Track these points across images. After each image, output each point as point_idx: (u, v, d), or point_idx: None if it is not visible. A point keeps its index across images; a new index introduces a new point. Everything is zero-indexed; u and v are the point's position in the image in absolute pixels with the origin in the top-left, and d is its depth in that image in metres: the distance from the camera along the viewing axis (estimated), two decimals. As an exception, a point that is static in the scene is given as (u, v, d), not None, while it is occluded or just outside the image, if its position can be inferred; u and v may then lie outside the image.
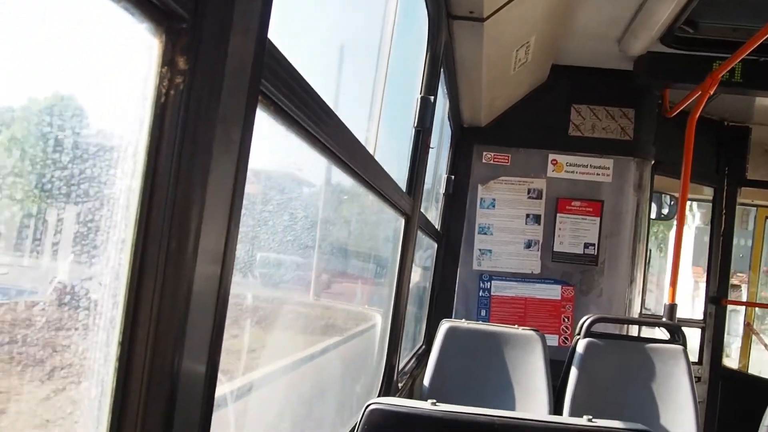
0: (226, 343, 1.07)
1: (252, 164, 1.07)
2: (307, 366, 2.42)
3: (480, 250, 5.54)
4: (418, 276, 4.76)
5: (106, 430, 0.88)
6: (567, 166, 5.50)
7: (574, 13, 4.38)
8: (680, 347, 3.91)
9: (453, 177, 5.50)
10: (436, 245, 5.41)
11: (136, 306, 0.89)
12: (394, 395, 3.45)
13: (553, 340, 5.31)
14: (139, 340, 0.88)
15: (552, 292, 5.47)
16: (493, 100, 5.08)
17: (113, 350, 0.89)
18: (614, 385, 3.82)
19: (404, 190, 3.19)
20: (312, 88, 1.43)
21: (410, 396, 4.26)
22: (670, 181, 5.78)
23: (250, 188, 1.10)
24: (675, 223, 5.60)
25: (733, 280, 8.51)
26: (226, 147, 0.97)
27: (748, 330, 7.80)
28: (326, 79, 2.03)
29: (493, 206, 5.54)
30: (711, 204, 6.65)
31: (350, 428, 2.56)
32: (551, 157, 5.51)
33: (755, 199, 7.44)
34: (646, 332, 5.73)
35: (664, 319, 4.96)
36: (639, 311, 5.73)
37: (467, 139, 5.58)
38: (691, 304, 6.54)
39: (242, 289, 1.63)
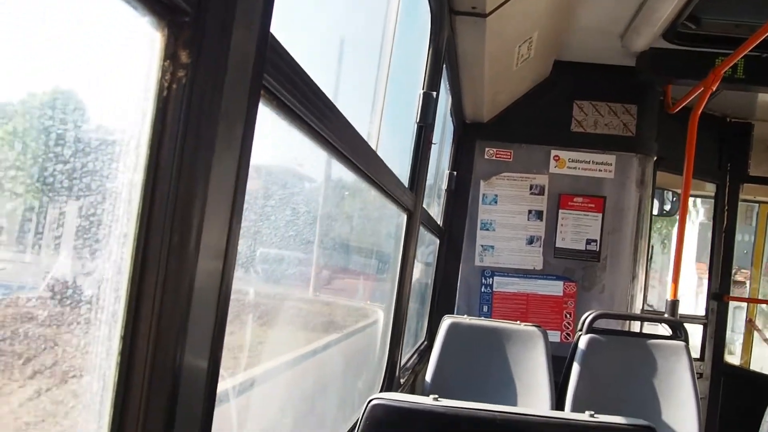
0: (228, 338, 1.07)
1: (254, 159, 1.07)
2: (309, 362, 2.42)
3: (482, 246, 5.54)
4: (420, 272, 4.75)
5: (108, 425, 0.88)
6: (569, 162, 5.50)
7: (577, 8, 4.37)
8: (682, 343, 3.91)
9: (455, 173, 5.49)
10: (438, 241, 5.40)
11: (138, 300, 0.88)
12: (396, 391, 3.45)
13: (555, 336, 5.31)
14: (141, 334, 0.88)
15: (554, 288, 5.47)
16: (495, 96, 5.08)
17: (115, 345, 0.88)
18: (616, 381, 3.82)
19: (406, 186, 3.19)
20: (314, 83, 1.43)
21: (412, 392, 4.26)
22: (673, 177, 5.77)
23: (251, 183, 1.10)
24: (677, 219, 5.59)
25: (738, 277, 8.50)
26: (228, 141, 0.97)
27: (750, 326, 7.79)
28: (328, 75, 2.03)
29: (496, 202, 5.53)
30: (713, 200, 6.65)
31: (352, 423, 2.56)
32: (553, 153, 5.51)
33: (757, 196, 7.43)
34: (648, 328, 5.73)
35: (666, 315, 4.96)
36: (641, 307, 5.73)
37: (469, 135, 5.57)
38: (695, 300, 6.54)
39: (243, 285, 1.63)
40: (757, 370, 7.36)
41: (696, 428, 3.67)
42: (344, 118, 1.77)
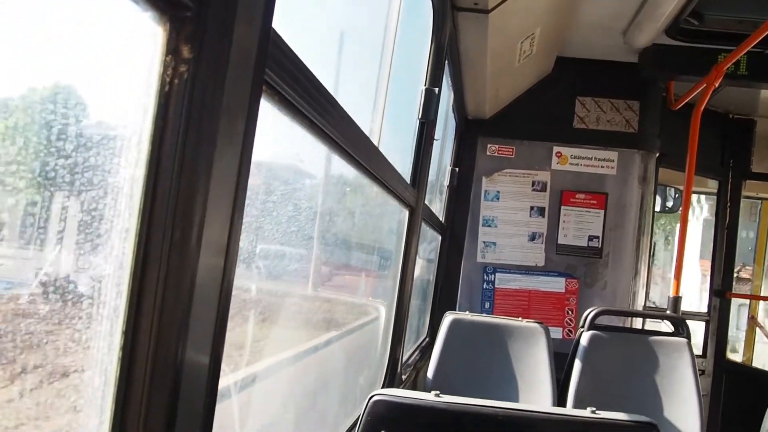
0: (229, 334, 1.07)
1: (256, 155, 1.07)
2: (311, 358, 2.42)
3: (484, 242, 5.54)
4: (422, 268, 4.75)
5: (110, 420, 0.88)
6: (571, 159, 5.49)
7: (579, 4, 4.37)
8: (684, 340, 3.91)
9: (457, 169, 5.49)
10: (440, 237, 5.40)
11: (140, 296, 0.88)
12: (397, 387, 3.45)
13: (557, 333, 5.31)
14: (143, 330, 0.88)
15: (556, 284, 5.47)
16: (497, 92, 5.07)
17: (117, 340, 0.88)
18: (618, 378, 3.82)
19: (408, 182, 3.19)
20: (316, 79, 1.42)
21: (414, 388, 4.26)
22: (675, 173, 5.77)
23: (253, 179, 1.10)
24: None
25: (743, 274, 8.48)
26: (230, 137, 0.97)
27: (753, 323, 7.78)
28: (330, 70, 2.03)
29: (498, 198, 5.53)
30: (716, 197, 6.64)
31: (354, 420, 2.56)
32: (556, 149, 5.50)
33: (760, 192, 7.42)
34: (651, 325, 5.73)
35: (668, 312, 4.95)
36: (643, 304, 5.73)
37: (472, 131, 5.57)
38: (699, 297, 6.53)
39: (245, 281, 1.62)
40: (760, 367, 7.36)
41: (698, 425, 3.67)
42: (346, 113, 1.77)
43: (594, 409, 1.91)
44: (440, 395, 1.90)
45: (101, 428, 0.89)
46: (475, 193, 5.55)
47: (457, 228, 5.56)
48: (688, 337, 3.96)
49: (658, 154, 5.59)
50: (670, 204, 6.80)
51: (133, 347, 0.88)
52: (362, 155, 2.06)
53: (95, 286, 0.90)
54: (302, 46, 1.29)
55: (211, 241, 0.94)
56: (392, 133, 2.97)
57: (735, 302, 8.04)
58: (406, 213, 3.31)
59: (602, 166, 5.48)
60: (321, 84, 1.47)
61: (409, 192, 3.12)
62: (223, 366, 1.04)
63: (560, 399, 3.79)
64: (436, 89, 3.28)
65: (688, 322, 4.13)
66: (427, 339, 5.28)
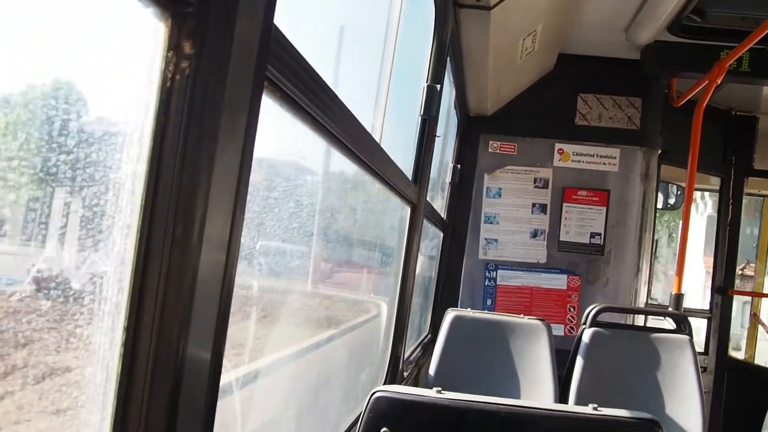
0: (231, 331, 1.07)
1: (257, 151, 1.07)
2: (312, 354, 2.42)
3: (486, 239, 5.54)
4: (423, 265, 4.75)
5: (111, 416, 0.88)
6: (573, 156, 5.49)
7: (581, 1, 4.36)
8: (686, 337, 3.90)
9: (459, 166, 5.49)
10: (441, 234, 5.40)
11: (141, 292, 0.88)
12: (399, 384, 3.45)
13: (558, 330, 5.31)
14: (144, 326, 0.88)
15: (558, 281, 5.47)
16: (499, 89, 5.07)
17: (118, 336, 0.88)
18: (620, 375, 3.82)
19: (410, 179, 3.19)
20: (318, 75, 1.42)
21: (415, 385, 4.27)
22: (677, 170, 5.76)
23: (254, 175, 1.09)
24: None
25: (747, 271, 8.47)
26: (232, 133, 0.97)
27: (755, 320, 7.78)
28: (332, 67, 2.02)
29: (499, 195, 5.53)
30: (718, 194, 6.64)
31: (356, 416, 2.57)
32: (558, 146, 5.50)
33: (762, 189, 7.41)
34: (653, 322, 5.72)
35: (670, 309, 4.95)
36: (645, 301, 5.72)
37: (473, 128, 5.56)
38: (703, 294, 6.52)
39: (247, 277, 1.62)
40: (762, 364, 7.35)
41: (700, 422, 3.67)
42: (348, 110, 1.77)
43: (596, 406, 1.91)
44: (442, 392, 1.90)
45: (103, 424, 0.89)
46: (477, 190, 5.55)
47: (459, 225, 5.56)
48: (690, 334, 3.95)
49: (660, 151, 5.58)
50: (672, 201, 6.79)
51: (134, 344, 0.88)
52: (364, 152, 2.06)
53: (97, 283, 0.90)
54: (304, 43, 1.29)
55: (213, 237, 0.94)
56: (394, 130, 2.96)
57: (740, 300, 8.03)
58: (408, 210, 3.31)
59: (604, 163, 5.48)
60: (323, 80, 1.47)
61: (411, 189, 3.12)
62: (224, 362, 1.04)
63: (562, 396, 3.79)
64: (438, 86, 3.28)
65: (691, 319, 4.12)
66: (429, 336, 5.28)
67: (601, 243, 5.45)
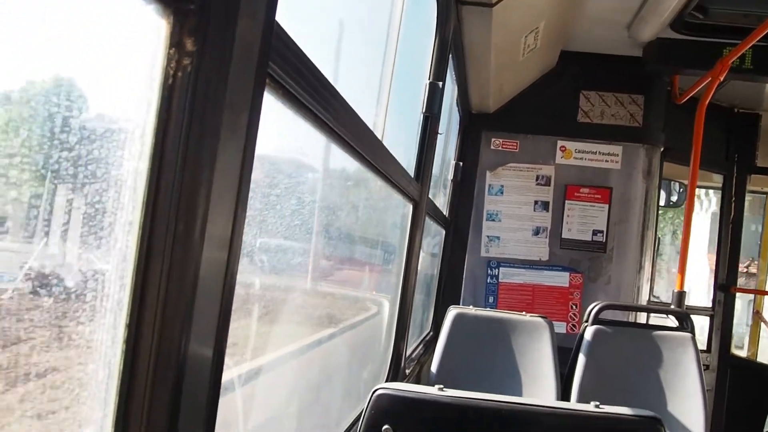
0: (234, 327, 1.07)
1: (259, 148, 1.07)
2: (314, 352, 2.42)
3: (488, 236, 5.53)
4: (425, 263, 4.75)
5: (113, 413, 0.88)
6: (576, 153, 5.48)
7: (584, -2, 4.36)
8: (688, 335, 3.90)
9: (461, 163, 5.49)
10: (444, 232, 5.40)
11: (143, 289, 0.88)
12: (401, 381, 3.45)
13: (560, 327, 5.31)
14: (146, 323, 0.88)
15: (560, 279, 5.46)
16: (501, 86, 5.06)
17: (120, 333, 0.89)
18: (622, 373, 3.82)
19: (412, 176, 3.19)
20: (320, 72, 1.42)
21: (417, 382, 4.27)
22: (680, 168, 5.75)
23: (256, 173, 1.09)
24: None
25: (753, 268, 8.45)
26: (234, 130, 0.97)
27: (758, 318, 7.77)
28: (334, 64, 2.02)
29: (502, 193, 5.53)
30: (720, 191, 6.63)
31: (358, 413, 2.57)
32: (560, 143, 5.49)
33: (765, 186, 7.40)
34: (655, 320, 5.72)
35: (672, 307, 4.94)
36: (647, 299, 5.72)
37: (476, 126, 5.56)
38: (707, 291, 6.51)
39: (248, 274, 1.62)
40: (765, 362, 7.34)
41: (702, 420, 3.67)
42: (350, 107, 1.77)
43: (598, 403, 1.91)
44: (444, 389, 1.90)
45: (105, 421, 0.89)
46: (479, 188, 5.55)
47: (461, 222, 5.56)
48: (693, 331, 3.95)
49: (662, 149, 5.58)
50: (674, 198, 6.78)
51: (136, 340, 0.88)
52: (366, 149, 2.06)
53: (99, 280, 0.90)
54: (306, 40, 1.28)
55: (215, 234, 0.94)
56: (396, 127, 2.96)
57: (745, 298, 8.02)
58: (410, 207, 3.31)
59: (606, 161, 5.47)
60: (325, 77, 1.47)
61: (413, 186, 3.12)
62: (226, 360, 1.04)
63: (564, 393, 3.79)
64: (440, 83, 3.28)
65: (694, 317, 4.12)
66: (431, 333, 5.28)
67: (604, 240, 5.45)
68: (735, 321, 6.60)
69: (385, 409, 1.86)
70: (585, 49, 5.38)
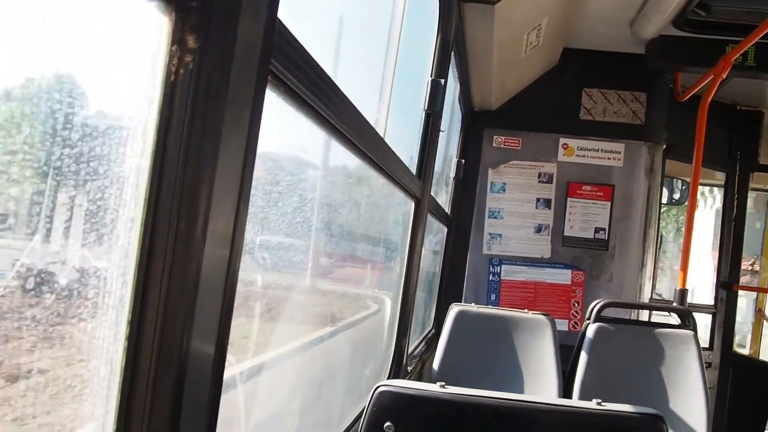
0: (236, 324, 1.07)
1: (261, 145, 1.07)
2: (316, 349, 2.42)
3: (490, 234, 5.53)
4: (427, 260, 4.75)
5: (115, 409, 0.88)
6: (578, 150, 5.48)
7: (586, -5, 4.35)
8: (691, 332, 3.90)
9: (463, 161, 5.48)
10: (446, 229, 5.40)
11: (145, 286, 0.88)
12: (403, 378, 3.45)
13: (562, 325, 5.31)
14: (148, 320, 0.88)
15: (562, 276, 5.46)
16: (503, 84, 5.06)
17: (122, 330, 0.89)
18: (624, 370, 3.82)
19: (414, 174, 3.18)
20: (322, 70, 1.42)
21: (419, 379, 4.27)
22: (682, 165, 5.75)
23: (258, 170, 1.09)
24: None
25: (757, 266, 8.43)
26: (236, 127, 0.97)
27: (760, 316, 7.76)
28: (336, 61, 2.02)
29: (504, 190, 5.52)
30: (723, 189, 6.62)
31: (360, 410, 2.57)
32: (562, 141, 5.49)
33: (767, 185, 7.39)
34: (657, 318, 5.72)
35: (674, 304, 4.94)
36: (649, 296, 5.71)
37: (478, 123, 5.56)
38: (711, 288, 6.50)
39: (248, 272, 1.63)
40: (767, 359, 7.33)
41: (704, 417, 3.67)
42: (352, 104, 1.77)
43: (600, 401, 1.91)
44: (445, 386, 1.90)
45: (107, 417, 0.89)
46: (481, 185, 5.55)
47: (463, 220, 5.56)
48: (695, 329, 3.95)
49: (665, 146, 5.57)
50: (677, 196, 6.78)
51: (138, 337, 0.88)
52: (368, 146, 2.05)
53: (101, 276, 0.90)
54: (308, 37, 1.28)
55: (217, 231, 0.94)
56: (398, 125, 2.96)
57: (750, 296, 8.01)
58: (412, 204, 3.31)
59: (609, 158, 5.47)
60: (327, 75, 1.47)
61: (415, 183, 3.12)
62: (228, 357, 1.05)
63: (566, 391, 3.79)
64: (442, 80, 3.27)
65: (696, 314, 4.12)
66: (433, 331, 5.28)
67: (606, 238, 5.45)
68: (739, 319, 6.59)
69: (387, 406, 1.86)
70: (587, 47, 5.38)
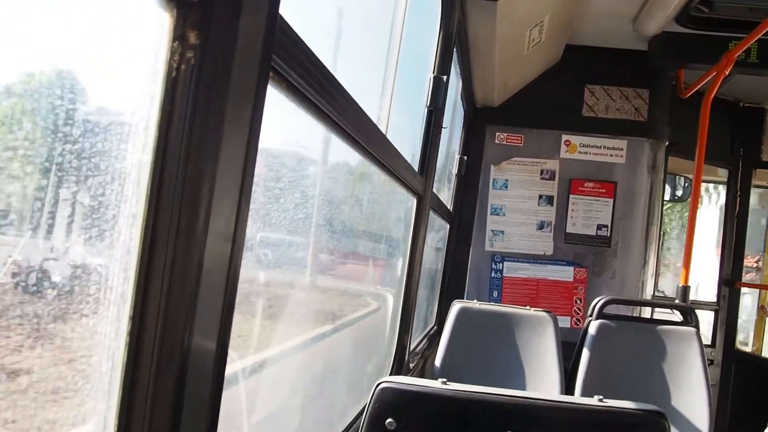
0: (239, 321, 1.07)
1: (262, 141, 1.07)
2: (318, 345, 2.42)
3: (492, 231, 5.53)
4: (430, 257, 4.75)
5: (117, 405, 0.89)
6: (580, 147, 5.47)
7: (589, -8, 4.34)
8: (693, 329, 3.90)
9: (465, 157, 5.48)
10: (448, 226, 5.40)
11: (147, 281, 0.89)
12: (405, 375, 3.46)
13: (565, 322, 5.31)
14: (150, 315, 0.88)
15: (564, 273, 5.46)
16: (506, 80, 5.05)
17: (124, 325, 0.89)
18: (626, 367, 3.81)
19: (416, 170, 3.18)
20: (324, 66, 1.42)
21: (421, 376, 4.27)
22: (685, 162, 5.74)
23: (259, 166, 1.09)
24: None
25: (761, 264, 8.41)
26: (237, 123, 0.97)
27: (762, 313, 7.75)
28: (338, 57, 2.02)
29: (506, 187, 5.52)
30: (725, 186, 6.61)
31: (362, 407, 2.57)
32: (564, 137, 5.48)
33: (770, 181, 7.38)
34: (659, 315, 5.71)
35: (676, 301, 4.94)
36: (652, 293, 5.71)
37: (480, 120, 5.55)
38: (716, 286, 6.49)
39: (249, 270, 1.63)
40: (769, 357, 7.33)
41: (706, 414, 3.67)
42: (354, 101, 1.76)
43: (601, 397, 1.90)
44: (447, 383, 1.90)
45: (108, 413, 0.89)
46: (484, 182, 5.54)
47: (465, 216, 5.56)
48: (697, 326, 3.95)
49: (667, 143, 5.56)
50: (679, 193, 6.77)
51: (140, 333, 0.88)
52: (370, 143, 2.05)
53: (102, 272, 0.90)
54: (309, 33, 1.28)
55: (218, 227, 0.94)
56: (400, 121, 2.96)
57: (754, 293, 7.99)
58: (414, 201, 3.31)
59: (611, 155, 5.46)
60: (328, 71, 1.46)
61: (417, 180, 3.12)
62: (230, 353, 1.05)
63: (568, 388, 3.79)
64: (445, 77, 3.27)
65: (699, 312, 4.11)
66: (435, 327, 5.28)
67: (608, 235, 5.44)
68: (744, 317, 6.58)
69: (389, 402, 1.86)
70: (590, 43, 5.37)
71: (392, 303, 3.41)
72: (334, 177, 2.28)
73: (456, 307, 3.95)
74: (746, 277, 6.59)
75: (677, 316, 4.20)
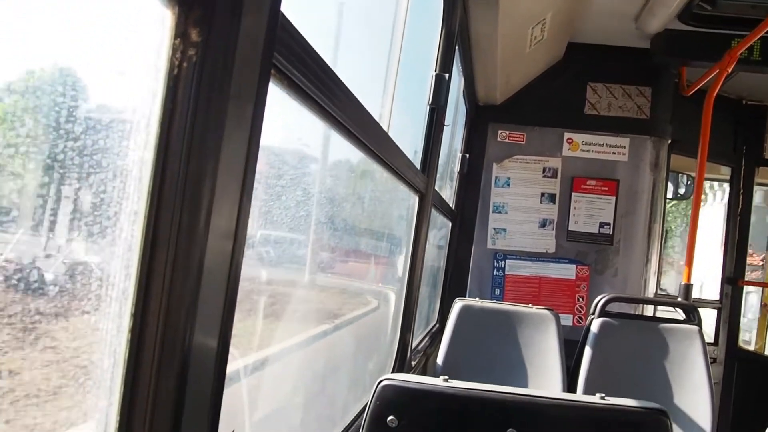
0: (241, 319, 1.07)
1: (264, 139, 1.07)
2: (320, 343, 2.43)
3: (494, 229, 5.53)
4: (432, 255, 4.75)
5: (119, 401, 0.89)
6: (583, 145, 5.47)
7: (591, -11, 4.34)
8: (695, 327, 3.89)
9: (467, 155, 5.48)
10: (450, 224, 5.40)
11: (149, 278, 0.89)
12: (407, 373, 3.46)
13: (567, 320, 5.31)
14: (152, 312, 0.88)
15: (567, 271, 5.46)
16: (508, 78, 5.05)
17: (125, 322, 0.89)
18: (628, 365, 3.81)
19: (418, 168, 3.18)
20: (326, 63, 1.42)
21: (423, 374, 4.27)
22: (687, 160, 5.73)
23: (260, 164, 1.09)
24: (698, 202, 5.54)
25: (766, 262, 8.41)
26: (239, 120, 0.97)
27: (765, 311, 7.74)
28: (340, 55, 2.02)
29: (508, 185, 5.52)
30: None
31: (364, 404, 2.57)
32: (567, 135, 5.48)
33: (773, 179, 7.36)
34: (662, 313, 5.71)
35: (679, 299, 4.93)
36: (654, 291, 5.71)
37: (482, 118, 5.55)
38: (719, 284, 6.48)
39: (253, 265, 1.63)
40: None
41: (709, 413, 3.67)
42: (356, 98, 1.76)
43: (603, 395, 1.90)
44: (449, 380, 1.90)
45: (110, 410, 0.90)
46: (486, 180, 5.54)
47: (467, 214, 5.55)
48: (700, 324, 3.94)
49: (670, 141, 5.56)
50: (682, 191, 6.76)
51: (141, 330, 0.89)
52: (372, 140, 2.05)
53: (104, 269, 0.91)
54: (311, 31, 1.28)
55: (220, 224, 0.95)
56: (402, 119, 2.96)
57: (758, 292, 7.99)
58: (416, 199, 3.31)
59: (614, 153, 5.46)
60: (330, 69, 1.46)
61: (419, 178, 3.12)
62: (231, 350, 1.05)
63: (570, 386, 3.79)
64: (447, 75, 3.27)
65: (702, 310, 4.11)
66: (437, 325, 5.29)
67: (610, 233, 5.44)
68: (750, 316, 6.57)
69: (391, 399, 1.86)
70: (592, 41, 5.36)
71: (394, 301, 3.42)
72: (335, 174, 2.28)
73: (458, 304, 3.95)
74: (751, 276, 6.57)
75: (680, 314, 4.19)
